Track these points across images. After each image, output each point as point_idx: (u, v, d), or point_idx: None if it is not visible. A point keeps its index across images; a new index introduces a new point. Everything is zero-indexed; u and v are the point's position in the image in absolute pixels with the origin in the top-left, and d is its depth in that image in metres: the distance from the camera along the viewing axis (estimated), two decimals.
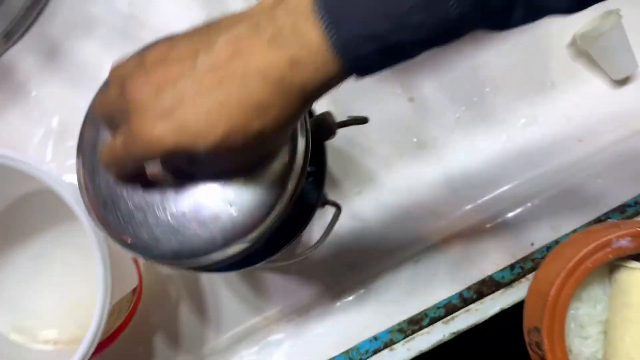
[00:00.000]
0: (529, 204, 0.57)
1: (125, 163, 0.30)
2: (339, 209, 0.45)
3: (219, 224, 0.32)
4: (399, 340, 0.54)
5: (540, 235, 0.56)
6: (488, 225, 0.57)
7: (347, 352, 0.54)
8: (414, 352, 0.53)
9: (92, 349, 0.42)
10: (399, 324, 0.54)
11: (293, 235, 0.41)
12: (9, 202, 0.54)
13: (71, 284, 0.55)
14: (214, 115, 0.25)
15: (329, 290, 0.56)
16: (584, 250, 0.34)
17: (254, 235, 0.32)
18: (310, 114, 0.42)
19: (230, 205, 0.31)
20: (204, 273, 0.55)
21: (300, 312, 0.55)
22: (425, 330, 0.54)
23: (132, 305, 0.51)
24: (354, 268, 0.57)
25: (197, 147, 0.26)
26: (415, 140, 0.58)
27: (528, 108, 0.59)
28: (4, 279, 0.54)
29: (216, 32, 0.26)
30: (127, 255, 0.49)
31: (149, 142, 0.26)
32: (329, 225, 0.45)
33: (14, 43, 0.58)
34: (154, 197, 0.32)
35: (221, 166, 0.30)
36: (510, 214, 0.57)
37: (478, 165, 0.58)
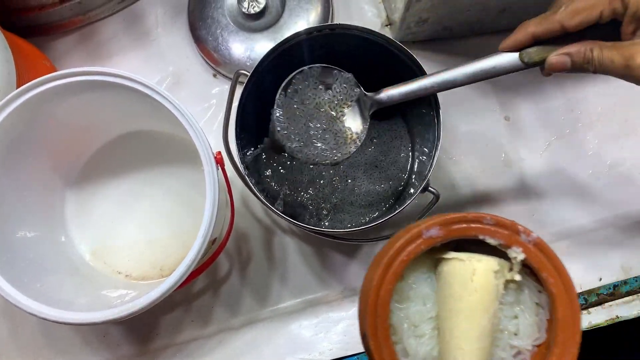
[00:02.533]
0: (603, 240, 0.57)
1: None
2: (437, 197, 0.46)
3: None
4: None
5: (609, 273, 0.57)
6: (558, 254, 0.58)
7: None
8: None
9: (182, 280, 0.44)
10: None
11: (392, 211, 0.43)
12: (117, 135, 0.57)
13: (153, 224, 0.57)
14: None
15: None
16: (397, 245, 0.34)
17: None
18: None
19: None
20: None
21: None
22: None
23: (212, 254, 0.53)
24: None
25: None
26: (503, 157, 0.60)
27: (617, 150, 0.60)
28: (96, 205, 0.57)
29: None
30: (225, 207, 0.52)
31: None
32: (424, 209, 0.46)
33: None
34: None
35: None
36: (583, 246, 0.57)
37: (559, 193, 0.59)
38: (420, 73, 0.46)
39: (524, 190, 0.59)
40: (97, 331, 0.58)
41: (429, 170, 0.45)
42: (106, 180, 0.58)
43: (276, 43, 0.47)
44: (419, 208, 0.52)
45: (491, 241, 0.34)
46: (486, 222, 0.34)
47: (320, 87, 0.47)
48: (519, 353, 0.36)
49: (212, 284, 0.58)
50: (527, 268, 0.36)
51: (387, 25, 0.61)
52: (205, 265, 0.53)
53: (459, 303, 0.34)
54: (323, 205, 0.56)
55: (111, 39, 0.62)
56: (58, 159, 0.55)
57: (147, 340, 0.57)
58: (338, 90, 0.46)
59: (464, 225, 0.34)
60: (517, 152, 0.60)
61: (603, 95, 0.61)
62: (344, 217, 0.56)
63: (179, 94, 0.60)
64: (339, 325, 0.56)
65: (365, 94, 0.45)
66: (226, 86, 0.61)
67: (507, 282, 0.36)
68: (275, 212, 0.45)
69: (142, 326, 0.58)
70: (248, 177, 0.46)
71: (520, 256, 0.33)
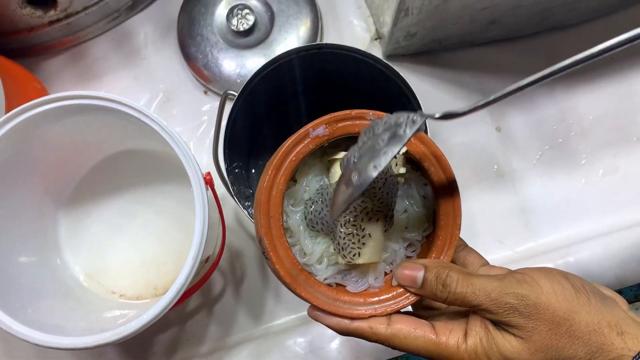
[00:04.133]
0: (597, 250, 0.57)
1: None
2: None
3: None
4: None
5: (604, 283, 0.56)
6: (552, 264, 0.58)
7: (396, 357, 0.55)
8: None
9: (175, 300, 0.44)
10: None
11: None
12: (108, 155, 0.57)
13: (146, 243, 0.57)
14: None
15: None
16: (285, 146, 0.34)
17: None
18: None
19: None
20: None
21: None
22: None
23: (205, 272, 0.53)
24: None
25: None
26: (495, 168, 0.60)
27: (610, 158, 0.60)
28: (89, 226, 0.57)
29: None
30: (217, 226, 0.52)
31: None
32: None
33: (137, 12, 0.63)
34: None
35: None
36: (577, 256, 0.57)
37: (553, 203, 0.59)
38: (405, 88, 0.46)
39: (518, 201, 0.59)
40: (93, 352, 0.58)
41: None
42: (98, 201, 0.58)
43: (267, 60, 0.47)
44: None
45: None
46: (369, 118, 0.34)
47: None
48: (410, 245, 0.37)
49: (206, 303, 0.58)
50: (412, 164, 0.36)
51: (376, 39, 0.61)
52: (199, 284, 0.53)
53: None
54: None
55: (101, 59, 0.62)
56: (49, 182, 0.55)
57: None
58: None
59: (349, 122, 0.34)
60: (509, 162, 0.60)
61: (594, 104, 0.61)
62: None
63: (170, 111, 0.61)
64: (334, 342, 0.56)
65: None
66: (217, 103, 0.61)
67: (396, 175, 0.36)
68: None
69: (137, 346, 0.58)
70: (236, 197, 0.46)
71: (402, 149, 0.33)
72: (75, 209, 0.57)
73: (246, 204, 0.53)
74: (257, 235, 0.35)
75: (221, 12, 0.60)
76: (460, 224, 0.34)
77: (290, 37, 0.60)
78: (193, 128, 0.61)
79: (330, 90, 0.56)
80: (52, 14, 0.57)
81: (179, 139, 0.45)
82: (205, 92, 0.62)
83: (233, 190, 0.48)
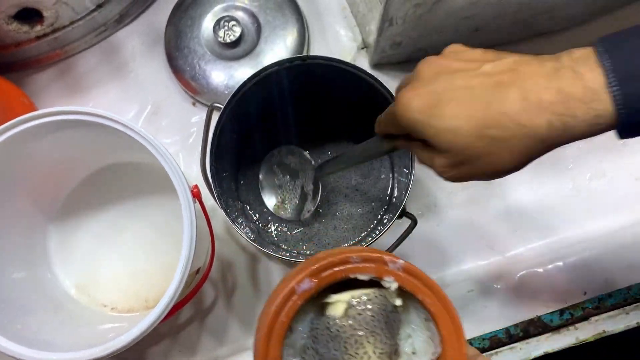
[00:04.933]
0: (586, 254, 0.58)
1: (387, 120, 0.35)
2: (414, 222, 0.47)
3: None
4: None
5: (594, 287, 0.57)
6: (542, 269, 0.58)
7: None
8: None
9: (165, 313, 0.44)
10: None
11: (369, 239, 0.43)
12: (97, 168, 0.57)
13: (136, 256, 0.57)
14: (463, 109, 0.29)
15: None
16: (273, 307, 0.32)
17: None
18: None
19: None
20: None
21: None
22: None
23: (196, 284, 0.53)
24: None
25: (436, 136, 0.30)
26: None
27: (597, 162, 0.60)
28: (79, 240, 0.57)
29: (509, 54, 0.30)
30: (207, 237, 0.52)
31: (402, 106, 0.31)
32: (402, 235, 0.46)
33: (125, 25, 0.63)
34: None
35: (448, 160, 0.32)
36: (566, 260, 0.58)
37: (541, 208, 0.59)
38: (391, 97, 0.47)
39: (505, 207, 0.59)
40: None
41: (405, 197, 0.45)
42: (88, 214, 0.58)
43: (255, 71, 0.48)
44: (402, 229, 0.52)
45: (363, 277, 0.34)
46: (354, 261, 0.34)
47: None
48: None
49: (198, 314, 0.58)
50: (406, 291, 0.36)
51: (363, 48, 0.62)
52: (190, 296, 0.53)
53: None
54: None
55: (89, 72, 0.62)
56: (38, 196, 0.55)
57: None
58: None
59: (334, 269, 0.34)
60: None
61: None
62: (328, 242, 0.56)
63: (159, 123, 0.61)
64: None
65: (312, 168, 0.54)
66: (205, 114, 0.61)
67: (395, 307, 0.36)
68: (253, 244, 0.45)
69: (129, 358, 0.58)
70: (225, 208, 0.47)
71: (394, 285, 0.34)
72: (65, 222, 0.57)
73: (234, 215, 0.53)
74: None
75: (208, 24, 0.60)
76: (464, 343, 0.34)
77: (278, 48, 0.60)
78: (182, 139, 0.61)
79: (318, 100, 0.56)
80: (38, 28, 0.57)
81: (166, 152, 0.45)
82: (194, 104, 0.62)
83: (221, 202, 0.48)
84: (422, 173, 0.59)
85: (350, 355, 0.33)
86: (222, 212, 0.48)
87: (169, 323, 0.58)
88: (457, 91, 0.29)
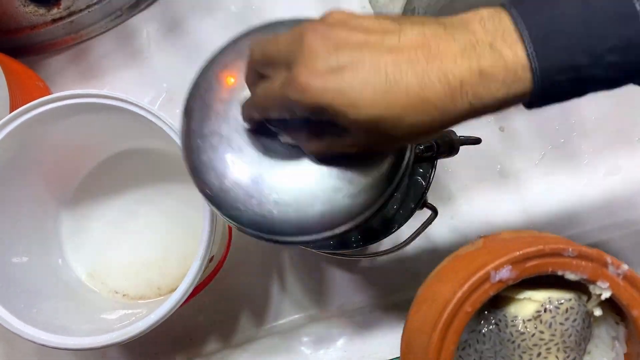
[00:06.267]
0: (601, 249, 0.57)
1: (274, 105, 0.29)
2: (435, 212, 0.46)
3: (334, 201, 0.30)
4: None
5: None
6: None
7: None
8: None
9: (184, 299, 0.44)
10: None
11: (390, 229, 0.43)
12: (111, 154, 0.57)
13: (148, 243, 0.57)
14: (378, 93, 0.25)
15: (392, 296, 0.58)
16: (460, 293, 0.27)
17: (364, 215, 0.32)
18: None
19: (349, 184, 0.31)
20: (289, 246, 0.55)
21: (361, 312, 0.57)
22: None
23: (210, 272, 0.53)
24: (418, 279, 0.58)
25: (348, 116, 0.26)
26: (498, 168, 0.60)
27: (612, 159, 0.60)
28: (91, 226, 0.57)
29: (409, 22, 0.27)
30: (223, 225, 0.51)
31: (305, 91, 0.26)
32: (422, 225, 0.46)
33: (140, 11, 0.62)
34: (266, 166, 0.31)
35: (355, 143, 0.29)
36: None
37: (556, 204, 0.59)
38: None
39: (520, 201, 0.59)
40: (96, 352, 0.57)
41: (427, 187, 0.45)
42: (100, 200, 0.57)
43: None
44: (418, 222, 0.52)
45: (571, 276, 0.29)
46: (567, 255, 0.29)
47: None
48: None
49: (210, 302, 0.58)
50: (608, 303, 0.31)
51: None
52: (204, 283, 0.53)
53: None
54: None
55: (104, 57, 0.62)
56: (52, 181, 0.54)
57: None
58: None
59: (541, 260, 0.28)
60: (512, 162, 0.60)
61: (597, 104, 0.61)
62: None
63: (173, 111, 0.60)
64: (339, 341, 0.56)
65: None
66: None
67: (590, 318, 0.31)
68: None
69: (140, 345, 0.57)
70: None
71: (606, 293, 0.28)
72: (78, 208, 0.57)
73: None
74: None
75: None
76: None
77: None
78: None
79: None
80: (54, 12, 0.57)
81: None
82: None
83: None
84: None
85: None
86: None
87: (181, 311, 0.57)
88: (369, 73, 0.25)
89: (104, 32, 0.61)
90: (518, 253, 0.28)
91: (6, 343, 0.57)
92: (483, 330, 0.28)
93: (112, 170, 0.57)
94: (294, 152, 0.31)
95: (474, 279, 0.27)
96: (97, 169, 0.57)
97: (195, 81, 0.35)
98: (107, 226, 0.57)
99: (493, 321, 0.28)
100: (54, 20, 0.57)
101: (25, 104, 0.45)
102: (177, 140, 0.44)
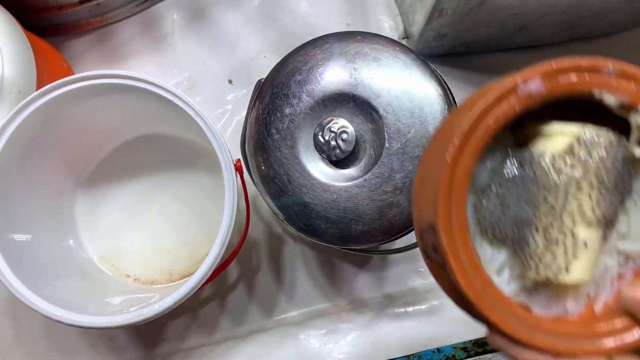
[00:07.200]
0: None
1: None
2: None
3: None
4: (461, 359, 0.55)
5: None
6: None
7: (408, 356, 0.55)
8: None
9: (201, 284, 0.44)
10: (464, 343, 0.55)
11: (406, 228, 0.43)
12: (129, 138, 0.57)
13: (161, 229, 0.57)
14: None
15: (403, 293, 0.58)
16: (481, 103, 0.23)
17: None
18: None
19: None
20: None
21: (372, 308, 0.57)
22: (488, 355, 0.55)
23: (226, 259, 0.53)
24: (428, 278, 0.58)
25: None
26: None
27: None
28: (106, 209, 0.57)
29: None
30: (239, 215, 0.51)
31: None
32: None
33: None
34: None
35: None
36: None
37: None
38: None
39: None
40: (104, 335, 0.57)
41: None
42: (116, 183, 0.57)
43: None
44: None
45: (611, 100, 0.23)
46: (607, 73, 0.23)
47: None
48: (628, 260, 0.26)
49: (220, 291, 0.58)
50: None
51: (404, 39, 0.62)
52: (217, 272, 0.53)
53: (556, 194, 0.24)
54: None
55: (127, 42, 0.62)
56: (71, 161, 0.55)
57: (154, 345, 0.57)
58: None
59: (578, 75, 0.23)
60: None
61: None
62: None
63: (193, 99, 0.60)
64: (349, 337, 0.56)
65: None
66: (243, 91, 0.61)
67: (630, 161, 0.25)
68: (295, 227, 0.45)
69: (148, 330, 0.57)
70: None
71: None
72: (93, 190, 0.57)
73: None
74: (419, 224, 0.26)
75: None
76: None
77: None
78: (216, 117, 0.61)
79: None
80: None
81: (211, 123, 0.45)
82: (230, 82, 0.62)
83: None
84: None
85: (551, 208, 0.24)
86: (252, 189, 0.48)
87: (191, 298, 0.58)
88: None
89: (129, 16, 0.62)
90: (550, 65, 0.23)
91: (14, 320, 0.57)
92: (505, 171, 0.24)
93: (129, 154, 0.57)
94: None
95: (495, 89, 0.23)
96: (115, 152, 0.57)
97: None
98: (121, 210, 0.57)
99: (516, 162, 0.24)
100: (81, 2, 0.58)
101: (51, 82, 0.46)
102: (205, 128, 0.44)
